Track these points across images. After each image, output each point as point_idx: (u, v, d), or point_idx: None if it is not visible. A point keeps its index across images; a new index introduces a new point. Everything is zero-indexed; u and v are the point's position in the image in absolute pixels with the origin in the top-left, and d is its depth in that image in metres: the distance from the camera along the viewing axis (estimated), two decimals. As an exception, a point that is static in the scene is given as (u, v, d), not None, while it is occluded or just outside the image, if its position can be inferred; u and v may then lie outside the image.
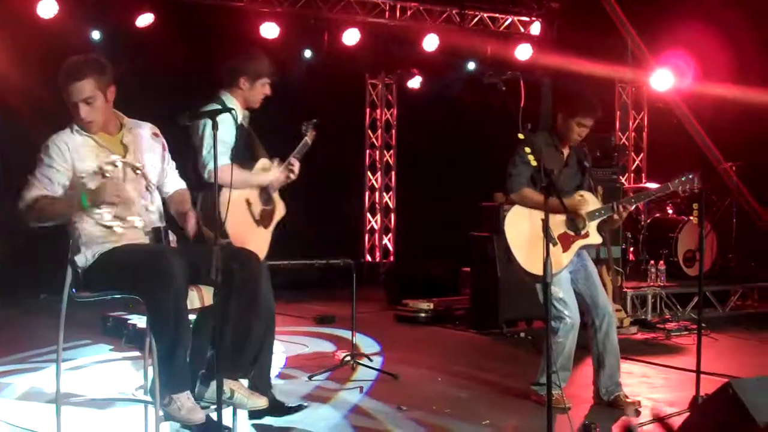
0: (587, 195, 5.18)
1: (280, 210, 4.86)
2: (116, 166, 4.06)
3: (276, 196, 4.83)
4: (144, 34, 9.52)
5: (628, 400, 5.21)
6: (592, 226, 5.13)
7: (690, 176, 5.14)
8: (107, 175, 4.00)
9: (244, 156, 4.64)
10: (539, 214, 4.86)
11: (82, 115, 4.03)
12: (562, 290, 5.06)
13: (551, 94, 10.62)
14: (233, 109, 4.21)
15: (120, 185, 3.98)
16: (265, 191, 4.75)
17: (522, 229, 5.05)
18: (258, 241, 4.62)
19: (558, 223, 5.06)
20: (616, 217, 5.12)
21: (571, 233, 5.11)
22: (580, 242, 5.11)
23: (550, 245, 5.01)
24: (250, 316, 4.15)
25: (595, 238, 5.15)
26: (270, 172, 4.75)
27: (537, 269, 4.87)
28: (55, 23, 8.81)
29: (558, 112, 5.23)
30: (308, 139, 5.06)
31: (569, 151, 5.28)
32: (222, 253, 3.68)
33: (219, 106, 4.28)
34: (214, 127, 3.77)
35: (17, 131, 8.78)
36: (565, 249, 5.07)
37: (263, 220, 4.73)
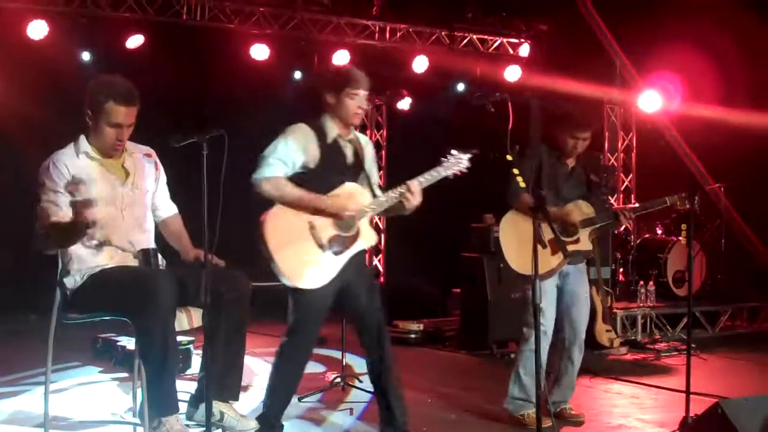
0: (581, 203, 5.26)
1: (364, 239, 4.54)
2: (117, 190, 4.07)
3: (363, 224, 4.52)
4: (134, 56, 9.51)
5: (573, 412, 5.36)
6: (583, 233, 5.22)
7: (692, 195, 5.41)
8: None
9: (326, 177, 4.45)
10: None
11: (121, 138, 4.05)
12: (545, 300, 5.07)
13: (540, 115, 10.65)
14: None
15: (92, 206, 3.74)
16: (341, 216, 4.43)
17: (516, 232, 5.19)
18: (319, 266, 4.34)
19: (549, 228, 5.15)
20: (623, 219, 5.25)
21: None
22: (569, 247, 5.14)
23: (539, 247, 5.12)
24: (240, 338, 4.14)
25: (584, 245, 5.21)
26: (336, 199, 4.42)
27: (525, 269, 5.00)
28: (45, 44, 8.78)
29: (552, 128, 5.36)
30: (444, 170, 4.77)
31: (575, 163, 5.39)
32: (211, 275, 3.68)
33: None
34: (202, 148, 3.75)
35: (6, 152, 8.77)
36: (554, 252, 5.13)
37: (333, 245, 4.41)
